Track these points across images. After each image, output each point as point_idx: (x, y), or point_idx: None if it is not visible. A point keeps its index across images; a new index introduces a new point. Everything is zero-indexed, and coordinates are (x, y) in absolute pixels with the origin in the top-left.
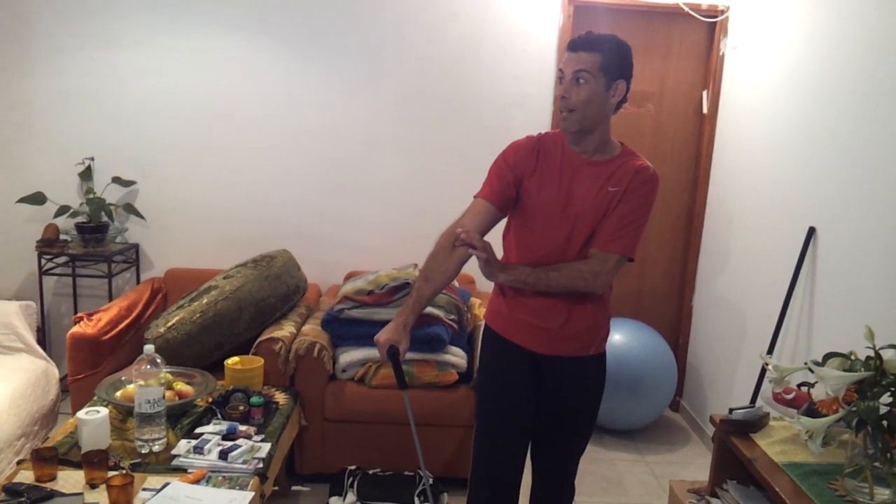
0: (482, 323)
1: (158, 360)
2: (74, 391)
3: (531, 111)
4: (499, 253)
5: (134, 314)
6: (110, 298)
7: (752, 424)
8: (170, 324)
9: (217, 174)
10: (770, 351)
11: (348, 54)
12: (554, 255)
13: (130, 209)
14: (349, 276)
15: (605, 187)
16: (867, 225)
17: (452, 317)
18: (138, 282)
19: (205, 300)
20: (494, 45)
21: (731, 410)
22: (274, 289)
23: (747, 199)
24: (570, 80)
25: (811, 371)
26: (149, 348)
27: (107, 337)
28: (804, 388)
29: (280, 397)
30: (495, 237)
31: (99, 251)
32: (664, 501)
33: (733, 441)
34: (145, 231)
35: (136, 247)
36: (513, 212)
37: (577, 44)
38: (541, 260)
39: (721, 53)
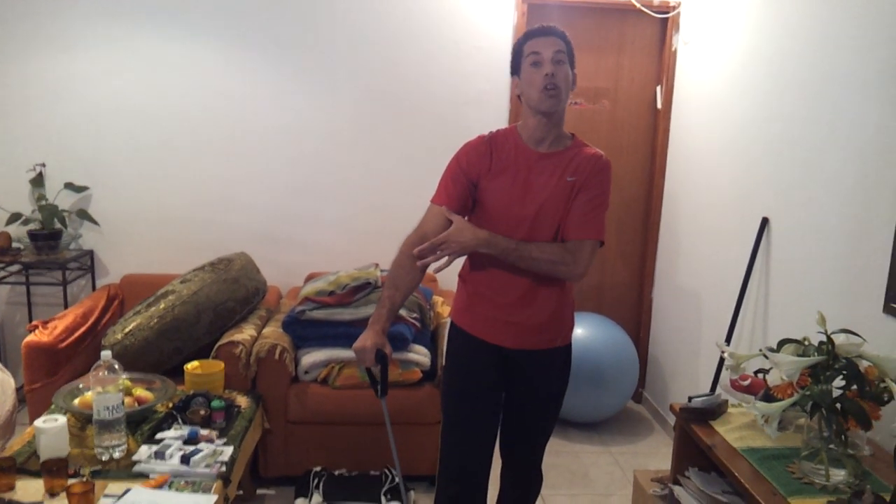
0: (446, 320)
1: (116, 366)
2: (31, 400)
3: (488, 109)
4: None
5: (90, 321)
6: (66, 306)
7: (711, 412)
8: (127, 330)
9: (172, 178)
10: (728, 339)
11: (303, 55)
12: None
13: (84, 215)
14: (310, 278)
15: (562, 178)
16: (818, 215)
17: (415, 315)
18: (94, 289)
19: (162, 305)
20: (450, 43)
21: (690, 399)
22: (233, 292)
23: (703, 192)
24: (551, 60)
25: (766, 357)
26: (106, 354)
27: (63, 345)
28: (760, 375)
29: (242, 401)
30: None
31: (52, 259)
32: (629, 492)
33: (693, 428)
34: (99, 237)
35: (90, 253)
36: (472, 211)
37: (546, 30)
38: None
39: (673, 49)
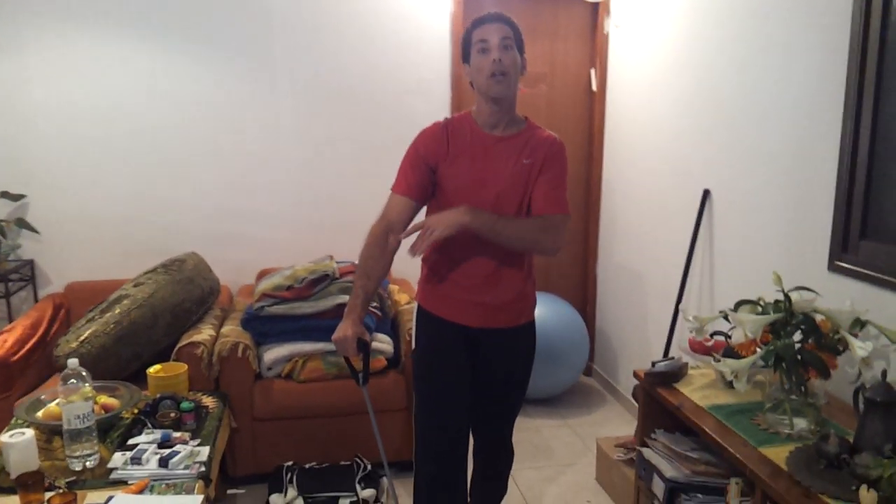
0: (405, 307)
1: (84, 374)
2: None
3: (431, 96)
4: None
5: (39, 332)
6: (10, 319)
7: (674, 375)
8: (82, 338)
9: (112, 181)
10: (676, 308)
11: (241, 49)
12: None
13: (23, 224)
14: (262, 275)
15: (519, 160)
16: (758, 184)
17: (375, 304)
18: (36, 299)
19: (117, 310)
20: (389, 33)
21: (653, 364)
22: (188, 292)
23: (643, 169)
24: (498, 46)
25: (726, 319)
26: (73, 362)
27: (15, 358)
28: (717, 338)
29: (208, 401)
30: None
31: None
32: (590, 459)
33: (658, 392)
34: (39, 246)
35: (30, 263)
36: (433, 196)
37: (493, 17)
38: (472, 239)
39: (605, 32)
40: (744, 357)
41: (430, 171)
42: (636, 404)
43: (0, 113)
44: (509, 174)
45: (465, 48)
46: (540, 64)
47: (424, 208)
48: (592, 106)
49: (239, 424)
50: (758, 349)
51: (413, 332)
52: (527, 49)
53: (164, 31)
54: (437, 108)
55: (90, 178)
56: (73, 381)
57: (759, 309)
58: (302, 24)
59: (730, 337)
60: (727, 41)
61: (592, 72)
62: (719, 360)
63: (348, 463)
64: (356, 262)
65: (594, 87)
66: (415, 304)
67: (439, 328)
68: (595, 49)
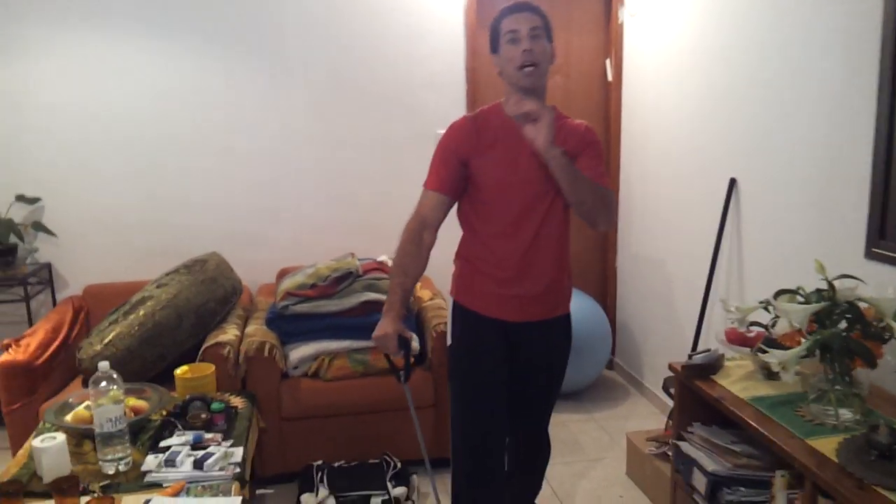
0: (430, 303)
1: (115, 376)
2: (11, 421)
3: (444, 91)
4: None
5: (61, 336)
6: (30, 323)
7: (711, 367)
8: (107, 340)
9: (128, 183)
10: (704, 300)
11: (255, 48)
12: (515, 224)
13: (40, 227)
14: (282, 274)
15: None
16: (788, 170)
17: None
18: (54, 303)
19: (142, 312)
20: (402, 26)
21: (690, 356)
22: (211, 292)
23: (663, 159)
24: (528, 36)
25: (767, 309)
26: (104, 365)
27: (39, 361)
28: (754, 328)
29: (237, 401)
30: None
31: (10, 274)
32: (618, 453)
33: (697, 384)
34: (56, 249)
35: (48, 266)
36: (464, 193)
37: (522, 6)
38: (504, 230)
39: (620, 22)
40: (789, 347)
41: (461, 165)
42: (663, 397)
43: (13, 115)
44: (541, 164)
45: (493, 38)
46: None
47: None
48: (608, 96)
49: (267, 424)
50: (802, 339)
51: (448, 326)
52: None
53: (176, 31)
54: (451, 102)
55: (105, 179)
56: (103, 383)
57: (800, 298)
58: (314, 20)
59: (768, 327)
60: (750, 24)
61: (608, 62)
62: (764, 352)
63: (377, 461)
64: (378, 259)
65: (610, 78)
66: (449, 300)
67: (475, 323)
68: (610, 39)
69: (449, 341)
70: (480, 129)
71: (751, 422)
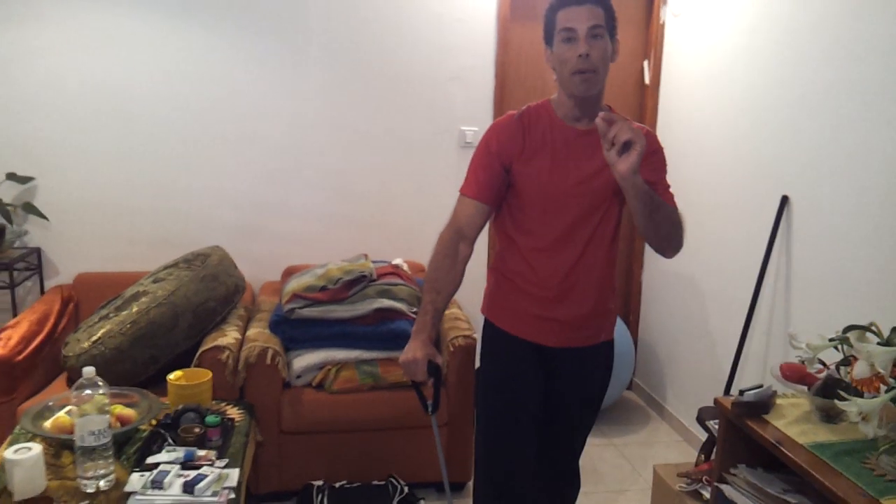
0: (449, 312)
1: (100, 383)
2: None
3: (473, 85)
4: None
5: (46, 329)
6: (14, 312)
7: (764, 405)
8: (95, 338)
9: (128, 166)
10: (746, 325)
11: (272, 30)
12: (561, 240)
13: (30, 209)
14: (289, 272)
15: (605, 159)
16: (846, 190)
17: (414, 310)
18: (42, 291)
19: (135, 308)
20: (431, 16)
21: (741, 392)
22: (212, 291)
23: (701, 170)
24: (586, 37)
25: (839, 349)
26: (88, 371)
27: (20, 357)
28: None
29: (233, 413)
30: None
31: None
32: (642, 485)
33: (749, 424)
34: (47, 233)
35: (37, 251)
36: (505, 199)
37: None
38: (547, 246)
39: (662, 22)
40: (862, 392)
41: (503, 170)
42: (687, 423)
43: (7, 86)
44: (596, 173)
45: (547, 29)
46: None
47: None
48: (644, 100)
49: (264, 437)
50: (881, 385)
51: (480, 348)
52: None
53: (187, 5)
54: (478, 97)
55: (103, 161)
56: (88, 391)
57: (872, 337)
58: (335, 4)
59: (838, 366)
60: (808, 25)
61: (646, 64)
62: (829, 395)
63: (382, 483)
64: (393, 262)
65: (647, 81)
66: (471, 313)
67: (508, 346)
68: (649, 39)
69: (477, 363)
70: (528, 130)
71: (815, 473)
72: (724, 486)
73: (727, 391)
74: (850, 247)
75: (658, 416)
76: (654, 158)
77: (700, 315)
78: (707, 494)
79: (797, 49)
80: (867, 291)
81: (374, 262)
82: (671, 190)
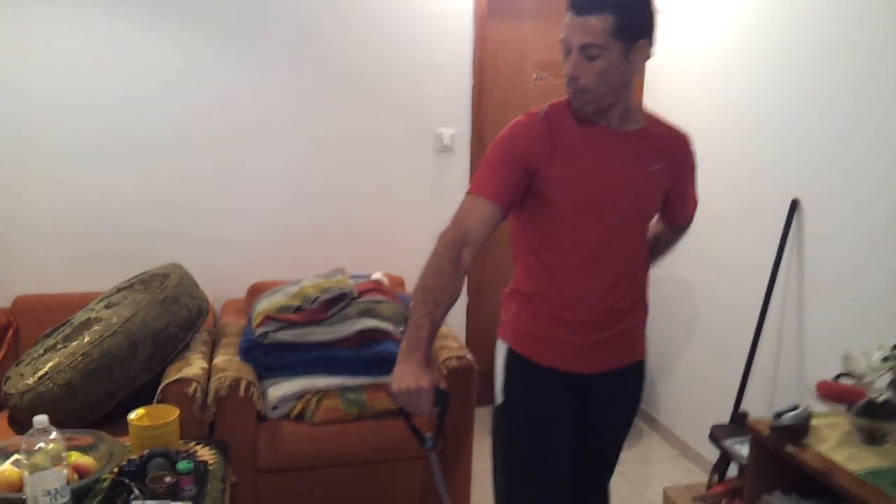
0: None
1: (54, 436)
2: None
3: (448, 82)
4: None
5: None
6: None
7: (803, 429)
8: (41, 372)
9: (71, 175)
10: (755, 338)
11: (229, 23)
12: (597, 256)
13: None
14: (256, 289)
15: (644, 166)
16: (863, 193)
17: (401, 329)
18: None
19: (87, 338)
20: (403, 7)
21: (778, 415)
22: (173, 315)
23: (701, 174)
24: (577, 57)
25: None
26: (41, 420)
27: None
28: (844, 380)
29: (205, 454)
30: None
31: None
32: None
33: (791, 453)
34: None
35: None
36: (528, 207)
37: (581, 3)
38: (582, 263)
39: None
40: None
41: (527, 175)
42: (682, 436)
43: None
44: (633, 180)
45: None
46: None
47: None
48: None
49: (239, 478)
50: None
51: (501, 380)
52: (547, 32)
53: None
54: (454, 94)
55: (44, 171)
56: (41, 444)
57: None
58: None
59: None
60: (815, 15)
61: None
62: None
63: None
64: (373, 276)
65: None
66: (503, 346)
67: (540, 379)
68: None
69: (498, 398)
70: (555, 130)
71: None
72: None
73: (737, 406)
74: (866, 252)
75: (649, 429)
76: (680, 167)
77: (699, 324)
78: None
79: (802, 42)
80: (884, 299)
81: (351, 276)
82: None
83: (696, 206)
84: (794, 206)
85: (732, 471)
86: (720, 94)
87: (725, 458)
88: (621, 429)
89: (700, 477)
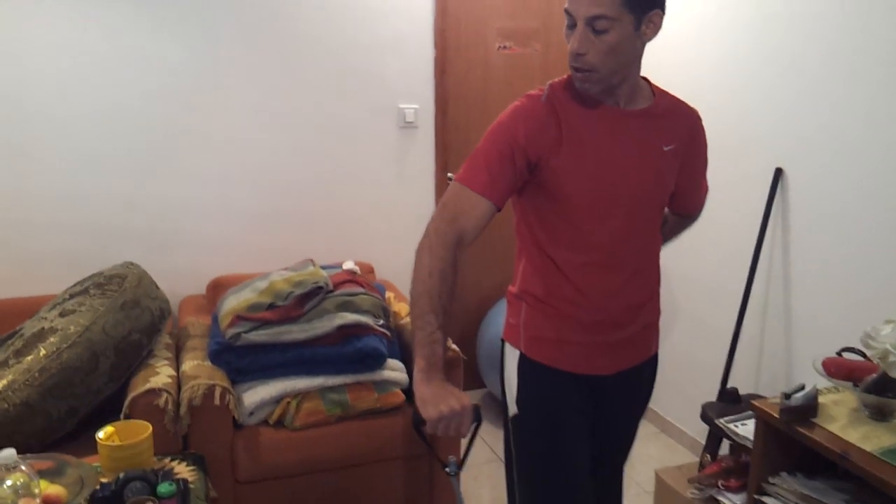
0: (406, 321)
1: (24, 468)
2: None
3: (408, 55)
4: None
5: None
6: None
7: (812, 408)
8: None
9: (11, 169)
10: (741, 314)
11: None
12: (613, 251)
13: None
14: (217, 285)
15: (656, 147)
16: (849, 161)
17: (381, 322)
18: None
19: (42, 352)
20: None
21: (787, 396)
22: (135, 320)
23: None
24: (583, 31)
25: None
26: (7, 455)
27: None
28: (848, 355)
29: (182, 470)
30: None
31: None
32: (636, 491)
33: (801, 431)
34: None
35: None
36: (533, 201)
37: None
38: (598, 260)
39: None
40: None
41: (527, 168)
42: (663, 413)
43: None
44: (646, 163)
45: None
46: (533, 18)
47: None
48: None
49: (217, 492)
50: None
51: (514, 389)
52: (515, 1)
53: None
54: (416, 67)
55: None
56: (8, 482)
57: None
58: None
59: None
60: None
61: None
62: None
63: None
64: (344, 266)
65: None
66: (514, 352)
67: (556, 384)
68: None
69: (512, 408)
70: (561, 115)
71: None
72: (767, 500)
73: (724, 384)
74: (854, 223)
75: None
76: (691, 147)
77: (681, 299)
78: (727, 501)
79: (786, 5)
80: (874, 272)
81: (326, 267)
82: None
83: (707, 192)
84: (778, 174)
85: (723, 449)
86: (699, 60)
87: (716, 437)
88: (633, 425)
89: (684, 454)
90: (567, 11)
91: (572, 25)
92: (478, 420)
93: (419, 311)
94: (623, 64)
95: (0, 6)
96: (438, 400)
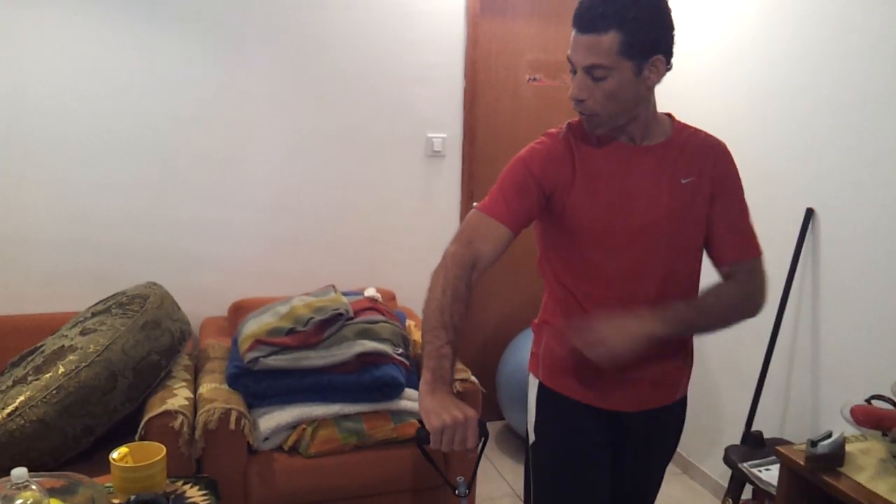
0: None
1: (34, 488)
2: None
3: (439, 85)
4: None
5: None
6: None
7: (839, 457)
8: (11, 407)
9: (27, 186)
10: (768, 356)
11: (205, 20)
12: (630, 285)
13: None
14: (239, 308)
15: (673, 180)
16: (879, 200)
17: (400, 351)
18: None
19: (61, 369)
20: (391, 5)
21: (814, 443)
22: (154, 341)
23: None
24: (582, 78)
25: None
26: (19, 473)
27: None
28: (877, 403)
29: (194, 494)
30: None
31: None
32: None
33: (827, 481)
34: None
35: None
36: (551, 236)
37: (584, 21)
38: (615, 295)
39: None
40: None
41: (543, 198)
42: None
43: None
44: (663, 199)
45: None
46: (562, 51)
47: None
48: None
49: None
50: None
51: (533, 417)
52: (550, 33)
53: None
54: (445, 97)
55: (7, 185)
56: (18, 502)
57: None
58: None
59: None
60: (831, 14)
61: None
62: None
63: None
64: (366, 293)
65: None
66: (534, 381)
67: (573, 414)
68: None
69: (531, 436)
70: (577, 151)
71: None
72: None
73: (748, 427)
74: (887, 267)
75: None
76: (724, 180)
77: (703, 340)
78: None
79: (815, 45)
80: None
81: (348, 294)
82: (745, 222)
83: (755, 241)
84: (809, 215)
85: (746, 493)
86: (728, 96)
87: (739, 481)
88: (660, 466)
89: (706, 496)
90: (568, 58)
91: (573, 71)
92: (484, 435)
93: (430, 325)
94: (625, 107)
95: (47, 28)
96: (441, 409)
